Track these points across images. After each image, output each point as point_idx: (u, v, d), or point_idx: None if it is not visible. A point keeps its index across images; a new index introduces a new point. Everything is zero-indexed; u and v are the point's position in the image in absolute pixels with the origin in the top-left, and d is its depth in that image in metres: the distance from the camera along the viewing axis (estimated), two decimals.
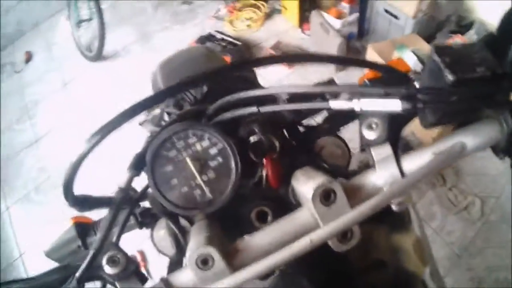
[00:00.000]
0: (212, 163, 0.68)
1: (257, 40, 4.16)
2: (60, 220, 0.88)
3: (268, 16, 4.49)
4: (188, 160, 0.67)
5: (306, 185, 0.59)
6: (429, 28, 3.33)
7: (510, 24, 0.55)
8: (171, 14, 4.90)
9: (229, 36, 4.17)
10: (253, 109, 0.67)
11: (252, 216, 0.73)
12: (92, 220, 0.89)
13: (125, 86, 3.95)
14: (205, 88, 0.86)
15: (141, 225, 0.82)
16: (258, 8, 4.52)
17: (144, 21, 4.90)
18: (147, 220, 0.82)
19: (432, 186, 2.83)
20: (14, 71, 4.81)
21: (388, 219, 0.83)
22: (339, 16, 3.86)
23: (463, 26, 3.23)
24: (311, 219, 0.57)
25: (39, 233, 2.91)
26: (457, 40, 3.00)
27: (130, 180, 0.65)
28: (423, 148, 0.60)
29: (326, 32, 3.58)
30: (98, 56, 4.34)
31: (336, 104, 0.59)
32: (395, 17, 3.44)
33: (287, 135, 0.80)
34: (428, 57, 0.55)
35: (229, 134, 0.71)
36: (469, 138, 0.57)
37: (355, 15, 3.81)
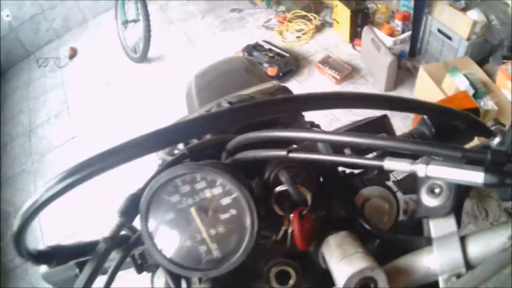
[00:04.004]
0: (223, 216, 0.54)
1: (306, 53, 4.01)
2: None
3: (319, 29, 4.35)
4: (192, 210, 0.53)
5: (339, 264, 0.45)
6: (482, 52, 3.21)
7: None
8: (220, 21, 4.81)
9: (277, 47, 4.04)
10: (282, 153, 0.53)
11: (271, 276, 0.59)
12: None
13: (168, 91, 3.88)
14: None
15: (140, 269, 0.69)
16: (309, 20, 4.38)
17: (192, 26, 4.83)
18: (148, 263, 0.69)
19: (474, 218, 2.62)
20: (57, 66, 4.82)
21: None
22: (392, 33, 3.76)
23: None
24: None
25: (64, 228, 2.96)
26: (510, 66, 2.82)
27: (118, 228, 0.52)
28: (495, 229, 0.45)
29: (377, 49, 3.43)
30: (143, 58, 4.30)
31: (393, 165, 0.43)
32: (449, 38, 3.32)
33: (323, 182, 0.65)
34: None
35: (250, 177, 0.57)
36: None
37: (408, 33, 3.70)
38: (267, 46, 4.05)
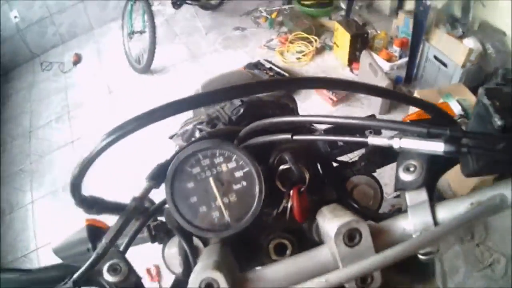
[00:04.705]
0: (236, 186, 0.65)
1: (305, 74, 4.12)
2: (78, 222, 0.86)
3: (319, 51, 4.50)
4: (211, 180, 0.64)
5: (331, 222, 0.55)
6: (476, 79, 3.30)
7: None
8: (223, 38, 4.95)
9: (277, 66, 4.18)
10: (287, 136, 0.63)
11: (270, 248, 0.70)
12: (107, 225, 0.87)
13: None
14: (241, 109, 0.84)
15: (153, 239, 0.79)
16: (310, 42, 4.53)
17: (196, 41, 4.96)
18: (160, 234, 0.79)
19: (460, 240, 2.72)
20: (61, 71, 4.93)
21: (412, 269, 0.78)
22: (389, 58, 3.87)
23: (510, 79, 3.17)
24: (331, 258, 0.53)
25: (57, 231, 2.98)
26: None
27: (147, 191, 0.62)
28: (460, 197, 0.56)
29: (374, 73, 3.56)
30: (146, 69, 4.40)
31: (374, 140, 0.55)
32: (444, 64, 3.43)
33: (319, 169, 0.76)
34: (477, 100, 0.51)
35: (258, 159, 0.67)
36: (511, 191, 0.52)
37: (405, 59, 3.80)
38: (268, 65, 4.18)
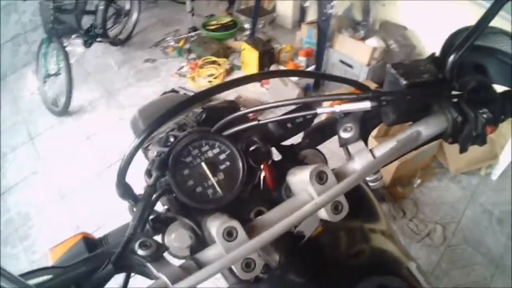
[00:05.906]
0: (222, 166, 0.84)
1: (218, 95, 4.26)
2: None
3: (229, 72, 4.79)
4: (203, 164, 0.83)
5: (303, 172, 0.75)
6: (382, 74, 3.54)
7: (449, 47, 0.75)
8: (135, 71, 5.11)
9: (191, 91, 4.41)
10: (254, 122, 0.84)
11: (252, 216, 0.87)
12: (94, 237, 1.00)
13: (92, 142, 4.10)
14: (203, 115, 1.02)
15: (155, 231, 0.95)
16: (219, 64, 4.79)
17: (109, 78, 5.07)
18: (158, 226, 0.95)
19: (392, 219, 3.01)
20: None
21: (362, 213, 1.01)
22: (297, 69, 4.13)
23: None
24: (308, 197, 0.73)
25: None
26: None
27: (156, 179, 0.79)
28: (388, 140, 0.78)
29: (285, 84, 3.81)
30: (65, 111, 4.44)
31: (322, 110, 0.77)
32: (350, 66, 3.73)
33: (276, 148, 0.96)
34: (387, 72, 0.74)
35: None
36: (423, 128, 0.76)
37: (312, 68, 4.09)
38: (182, 91, 4.42)
